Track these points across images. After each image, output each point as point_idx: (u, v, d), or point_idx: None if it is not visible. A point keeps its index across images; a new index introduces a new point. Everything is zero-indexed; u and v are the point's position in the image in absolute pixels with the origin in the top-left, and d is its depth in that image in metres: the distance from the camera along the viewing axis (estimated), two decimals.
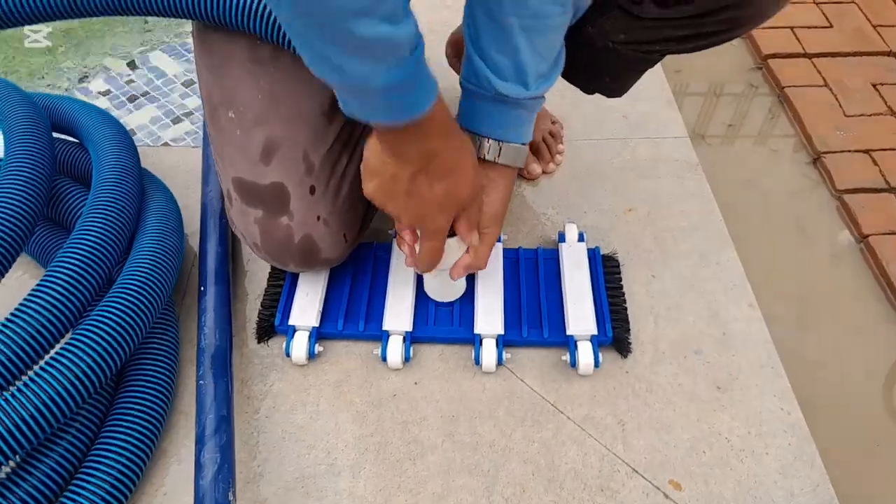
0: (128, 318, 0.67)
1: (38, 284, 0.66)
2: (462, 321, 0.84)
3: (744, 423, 0.77)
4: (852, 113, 1.26)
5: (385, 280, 0.86)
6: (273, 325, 0.83)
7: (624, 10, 0.68)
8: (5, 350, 0.61)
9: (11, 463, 0.65)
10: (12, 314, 0.64)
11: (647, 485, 0.72)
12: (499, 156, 0.71)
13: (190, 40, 1.30)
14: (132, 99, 1.19)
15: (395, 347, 0.79)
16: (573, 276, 0.86)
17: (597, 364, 0.79)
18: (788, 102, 1.29)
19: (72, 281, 0.66)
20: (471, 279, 0.86)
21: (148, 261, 0.71)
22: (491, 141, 0.71)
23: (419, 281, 0.86)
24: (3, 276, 0.68)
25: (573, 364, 0.79)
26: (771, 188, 1.15)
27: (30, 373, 0.63)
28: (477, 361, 0.80)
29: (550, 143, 1.04)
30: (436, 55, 1.19)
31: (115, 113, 1.16)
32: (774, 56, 1.37)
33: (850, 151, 1.20)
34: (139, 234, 0.75)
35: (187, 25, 1.35)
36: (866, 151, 1.20)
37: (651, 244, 0.95)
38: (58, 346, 0.65)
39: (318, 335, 0.81)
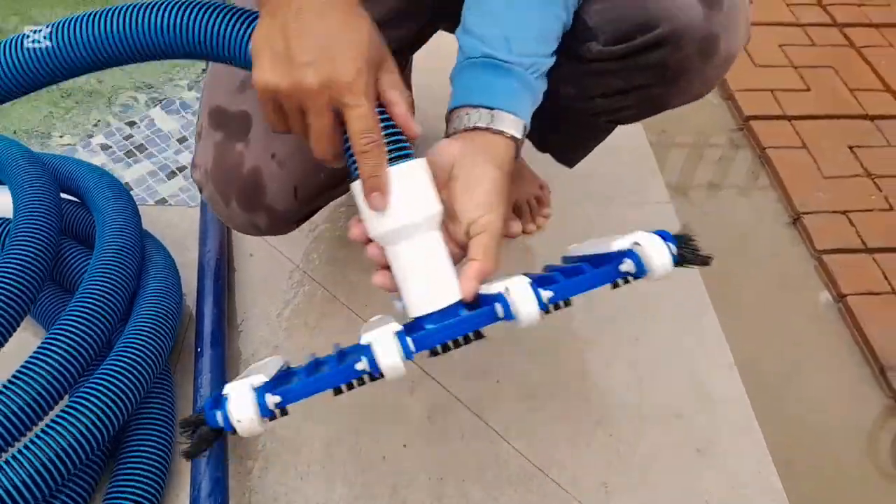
0: (125, 383, 0.69)
1: (38, 348, 0.68)
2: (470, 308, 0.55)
3: (724, 487, 0.79)
4: (830, 174, 1.31)
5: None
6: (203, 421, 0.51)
7: (570, 56, 0.70)
8: (4, 412, 0.63)
9: None
10: (12, 377, 0.66)
11: None
12: (492, 122, 0.62)
13: (184, 95, 1.34)
14: (130, 154, 1.23)
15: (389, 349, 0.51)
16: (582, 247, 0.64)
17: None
18: (769, 163, 1.33)
19: (71, 345, 0.68)
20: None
21: (146, 326, 0.74)
22: (482, 109, 0.63)
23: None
24: (7, 340, 0.71)
25: (641, 272, 0.54)
26: (751, 247, 1.19)
27: (28, 436, 0.65)
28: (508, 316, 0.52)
29: (534, 205, 1.07)
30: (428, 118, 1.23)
31: (113, 167, 1.19)
32: (755, 118, 1.41)
33: (828, 212, 1.24)
34: (139, 297, 0.77)
35: (185, 81, 1.39)
36: (844, 213, 1.24)
37: (635, 308, 0.98)
38: (57, 409, 0.67)
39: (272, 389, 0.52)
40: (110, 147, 1.25)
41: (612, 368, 0.89)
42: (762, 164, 1.35)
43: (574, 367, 0.92)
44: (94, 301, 0.72)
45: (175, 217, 1.08)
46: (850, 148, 1.36)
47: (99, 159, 1.21)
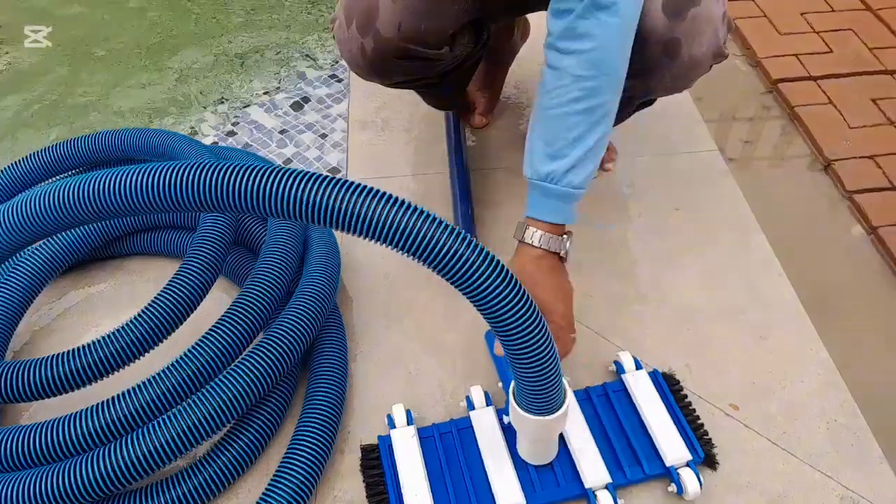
0: (304, 324, 0.90)
1: (235, 301, 0.89)
2: (566, 478, 0.86)
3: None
4: (856, 125, 1.46)
5: (476, 454, 0.89)
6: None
7: None
8: (219, 346, 0.85)
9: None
10: (215, 326, 0.87)
11: None
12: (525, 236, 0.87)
13: (279, 99, 1.55)
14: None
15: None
16: (650, 407, 0.91)
17: (700, 485, 0.84)
18: (798, 119, 1.49)
19: (260, 302, 0.90)
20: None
21: (317, 277, 0.95)
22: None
23: (511, 447, 0.89)
24: (208, 292, 0.93)
25: (679, 492, 0.85)
26: (789, 192, 1.34)
27: (230, 367, 0.85)
28: None
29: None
30: None
31: None
32: (783, 80, 1.57)
33: (856, 158, 1.39)
34: (308, 258, 0.99)
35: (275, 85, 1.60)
36: (871, 157, 1.39)
37: (699, 240, 1.17)
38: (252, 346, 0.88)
39: None
40: (217, 144, 1.44)
41: (687, 279, 1.09)
42: (792, 121, 1.50)
43: (654, 280, 1.12)
44: (275, 264, 0.94)
45: None
46: (873, 101, 1.51)
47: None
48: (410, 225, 0.60)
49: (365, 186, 0.60)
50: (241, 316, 0.88)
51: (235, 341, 0.86)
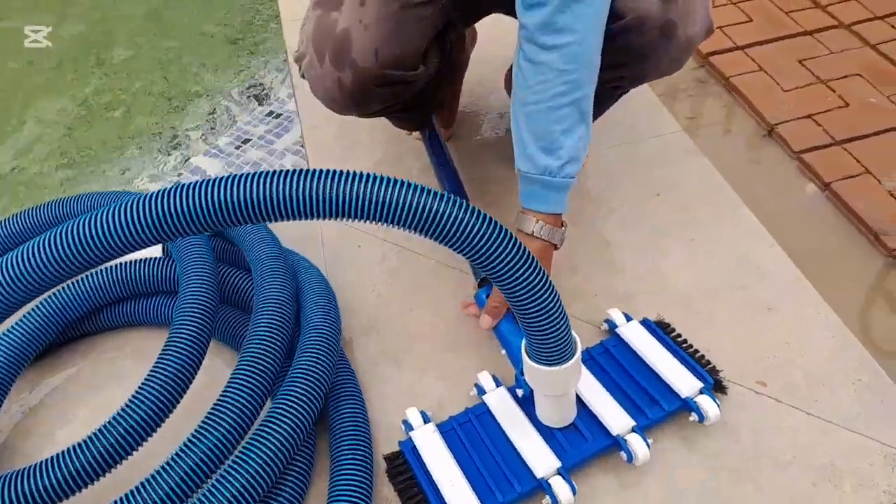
0: (317, 383, 0.84)
1: (237, 370, 0.83)
2: (592, 432, 0.88)
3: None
4: (789, 87, 1.51)
5: (500, 433, 0.90)
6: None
7: None
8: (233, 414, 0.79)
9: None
10: (219, 402, 0.80)
11: None
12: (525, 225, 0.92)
13: (221, 143, 1.48)
14: None
15: (562, 487, 0.82)
16: (650, 350, 0.95)
17: (718, 407, 0.88)
18: (735, 90, 1.53)
19: (264, 367, 0.84)
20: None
21: (321, 334, 0.89)
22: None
23: (532, 418, 0.90)
24: (201, 363, 0.85)
25: (701, 420, 0.88)
26: (736, 163, 1.37)
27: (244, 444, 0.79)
28: (630, 459, 0.86)
29: None
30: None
31: None
32: (713, 53, 1.62)
33: (795, 119, 1.44)
34: (304, 306, 0.93)
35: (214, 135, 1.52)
36: (809, 116, 1.44)
37: (683, 220, 1.19)
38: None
39: None
40: None
41: (684, 263, 1.10)
42: (729, 91, 1.55)
43: (650, 268, 1.12)
44: (272, 319, 0.87)
45: None
46: (800, 62, 1.57)
47: None
48: (386, 193, 0.60)
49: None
50: (246, 387, 0.81)
51: (245, 416, 0.80)
